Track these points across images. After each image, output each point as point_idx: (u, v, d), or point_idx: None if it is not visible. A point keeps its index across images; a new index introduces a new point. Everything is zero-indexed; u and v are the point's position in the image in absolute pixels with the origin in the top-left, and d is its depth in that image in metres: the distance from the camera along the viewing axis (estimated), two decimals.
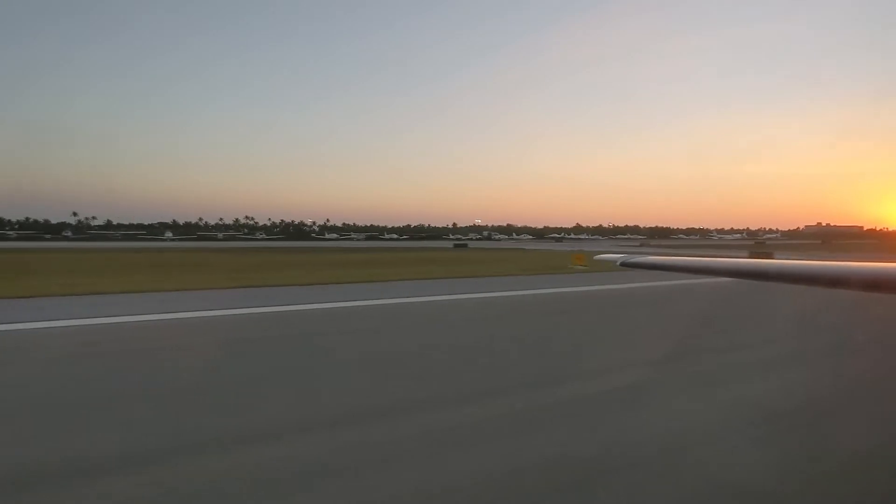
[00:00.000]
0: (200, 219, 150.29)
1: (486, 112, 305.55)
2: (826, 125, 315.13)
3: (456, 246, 68.59)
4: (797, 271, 1.38)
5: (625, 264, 2.27)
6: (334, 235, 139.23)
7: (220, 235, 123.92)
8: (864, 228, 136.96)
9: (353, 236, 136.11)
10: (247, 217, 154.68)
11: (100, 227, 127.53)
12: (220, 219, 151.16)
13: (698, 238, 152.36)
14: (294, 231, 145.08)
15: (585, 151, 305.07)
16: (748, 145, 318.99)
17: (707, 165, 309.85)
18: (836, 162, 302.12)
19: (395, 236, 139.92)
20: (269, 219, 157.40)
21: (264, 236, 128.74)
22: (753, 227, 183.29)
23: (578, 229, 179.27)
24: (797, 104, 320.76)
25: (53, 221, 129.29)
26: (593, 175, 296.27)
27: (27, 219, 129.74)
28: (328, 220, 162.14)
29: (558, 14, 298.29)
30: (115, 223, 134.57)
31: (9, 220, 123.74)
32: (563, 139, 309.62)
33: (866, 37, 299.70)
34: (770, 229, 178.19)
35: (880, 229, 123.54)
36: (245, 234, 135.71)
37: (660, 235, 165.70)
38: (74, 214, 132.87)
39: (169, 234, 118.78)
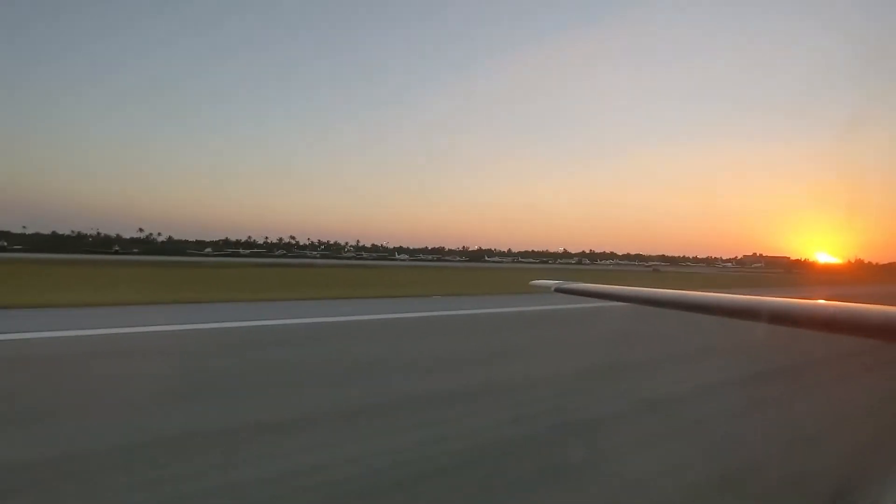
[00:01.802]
0: (249, 237, 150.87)
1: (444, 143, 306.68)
2: (759, 164, 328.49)
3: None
4: (709, 303, 1.40)
5: (559, 290, 2.37)
6: (509, 259, 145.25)
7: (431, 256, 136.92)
8: (791, 259, 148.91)
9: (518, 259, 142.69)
10: (291, 237, 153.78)
11: (163, 243, 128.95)
12: (249, 235, 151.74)
13: (706, 266, 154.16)
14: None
15: (535, 181, 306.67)
16: (692, 179, 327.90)
17: (654, 196, 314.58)
18: (768, 197, 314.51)
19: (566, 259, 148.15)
20: (309, 238, 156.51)
21: (459, 259, 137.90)
22: (701, 255, 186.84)
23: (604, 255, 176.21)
24: (736, 141, 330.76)
25: (125, 237, 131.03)
26: (533, 203, 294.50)
27: (98, 233, 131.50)
28: (358, 241, 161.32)
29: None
30: (175, 239, 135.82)
31: (87, 234, 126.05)
32: (510, 167, 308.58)
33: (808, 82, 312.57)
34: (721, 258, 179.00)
35: (803, 260, 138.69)
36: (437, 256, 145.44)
37: (671, 262, 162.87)
38: (140, 230, 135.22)
39: (405, 256, 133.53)
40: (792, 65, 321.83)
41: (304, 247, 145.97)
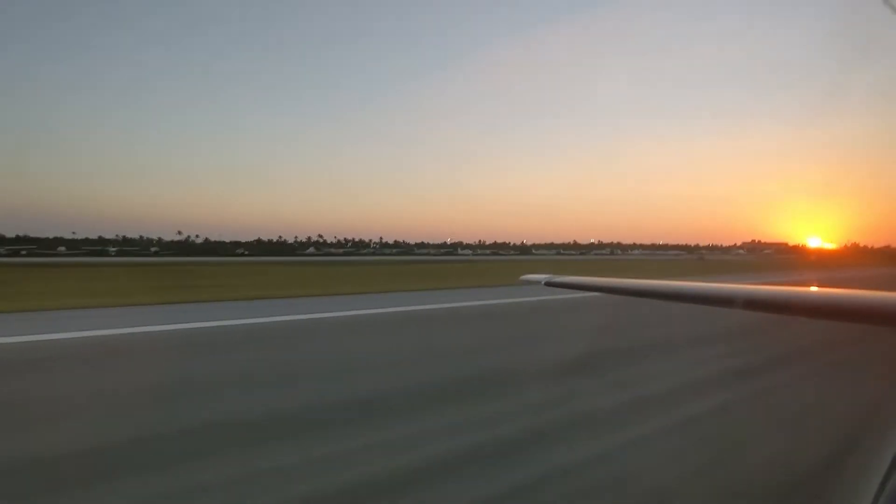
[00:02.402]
0: (280, 236, 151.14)
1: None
2: (750, 151, 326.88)
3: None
4: (694, 292, 1.38)
5: (549, 283, 2.29)
6: (553, 252, 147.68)
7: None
8: (788, 244, 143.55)
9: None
10: (319, 235, 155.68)
11: (202, 244, 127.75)
12: (280, 235, 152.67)
13: (722, 253, 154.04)
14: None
15: (519, 172, 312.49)
16: (685, 166, 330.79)
17: (647, 185, 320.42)
18: (759, 184, 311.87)
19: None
20: (335, 236, 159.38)
21: (513, 252, 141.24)
22: (703, 244, 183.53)
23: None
24: (728, 129, 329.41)
25: (166, 239, 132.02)
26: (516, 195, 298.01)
27: (141, 237, 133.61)
28: (381, 238, 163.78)
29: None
30: (211, 240, 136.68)
31: (132, 238, 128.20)
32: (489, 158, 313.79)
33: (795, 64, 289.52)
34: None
35: (801, 246, 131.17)
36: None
37: (687, 251, 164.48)
38: (179, 233, 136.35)
39: (468, 251, 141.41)
40: (780, 51, 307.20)
41: (338, 244, 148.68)
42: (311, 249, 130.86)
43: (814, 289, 1.09)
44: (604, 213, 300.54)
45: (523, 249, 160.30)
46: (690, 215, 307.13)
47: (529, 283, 2.51)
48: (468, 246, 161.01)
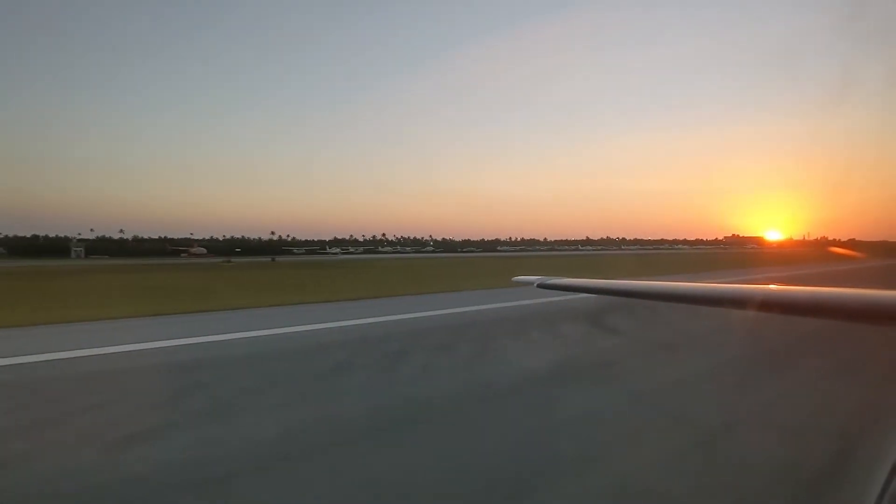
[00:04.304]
0: (350, 235, 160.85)
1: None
2: (739, 143, 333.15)
3: None
4: (690, 293, 1.35)
5: (542, 286, 2.19)
6: (636, 245, 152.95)
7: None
8: (762, 239, 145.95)
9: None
10: (382, 234, 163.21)
11: (288, 244, 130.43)
12: (351, 234, 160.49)
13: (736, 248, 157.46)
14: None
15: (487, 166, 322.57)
16: (660, 162, 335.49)
17: (624, 180, 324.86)
18: (729, 180, 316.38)
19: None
20: (394, 234, 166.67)
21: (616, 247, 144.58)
22: (691, 238, 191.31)
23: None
24: (703, 125, 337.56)
25: (265, 239, 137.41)
26: (483, 190, 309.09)
27: (243, 237, 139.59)
28: (431, 235, 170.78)
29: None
30: (298, 239, 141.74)
31: (230, 238, 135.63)
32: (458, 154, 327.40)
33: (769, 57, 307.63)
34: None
35: (775, 241, 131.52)
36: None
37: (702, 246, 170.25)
38: (273, 233, 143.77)
39: (587, 248, 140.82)
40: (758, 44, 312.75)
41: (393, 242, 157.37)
42: (471, 248, 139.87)
43: (796, 287, 1.00)
44: (598, 209, 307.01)
45: (613, 243, 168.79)
46: (673, 211, 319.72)
47: (521, 284, 2.45)
48: (505, 242, 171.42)
